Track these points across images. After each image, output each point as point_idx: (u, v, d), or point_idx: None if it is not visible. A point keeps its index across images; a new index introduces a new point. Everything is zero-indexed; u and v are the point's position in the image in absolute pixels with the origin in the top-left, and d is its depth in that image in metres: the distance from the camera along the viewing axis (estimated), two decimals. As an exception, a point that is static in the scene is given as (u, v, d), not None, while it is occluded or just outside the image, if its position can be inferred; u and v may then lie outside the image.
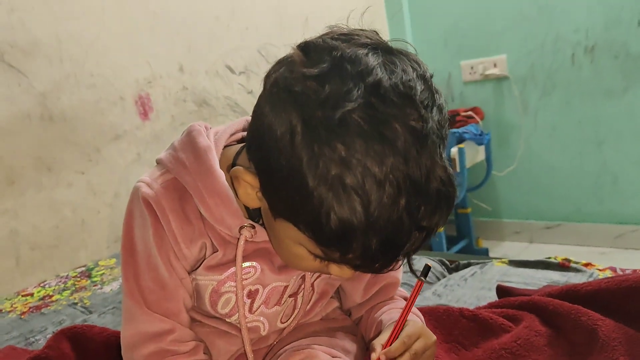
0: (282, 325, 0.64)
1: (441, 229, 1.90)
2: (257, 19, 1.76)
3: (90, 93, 1.38)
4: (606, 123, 1.94)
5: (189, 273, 0.59)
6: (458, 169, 1.88)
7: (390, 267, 0.49)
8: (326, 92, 0.43)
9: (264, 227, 0.57)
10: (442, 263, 1.06)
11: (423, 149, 0.44)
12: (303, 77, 0.45)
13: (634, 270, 0.88)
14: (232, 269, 0.58)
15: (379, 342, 0.56)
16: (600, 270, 0.93)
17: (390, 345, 0.55)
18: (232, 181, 0.54)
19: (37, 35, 1.28)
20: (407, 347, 0.56)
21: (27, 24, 1.26)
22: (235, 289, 0.59)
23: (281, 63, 0.48)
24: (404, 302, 0.69)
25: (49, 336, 0.79)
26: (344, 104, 0.42)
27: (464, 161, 1.90)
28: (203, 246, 0.58)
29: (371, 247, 0.45)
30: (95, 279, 1.19)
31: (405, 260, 0.51)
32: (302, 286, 0.63)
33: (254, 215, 0.57)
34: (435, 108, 0.46)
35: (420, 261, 1.05)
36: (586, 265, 0.95)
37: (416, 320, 0.60)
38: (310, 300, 0.65)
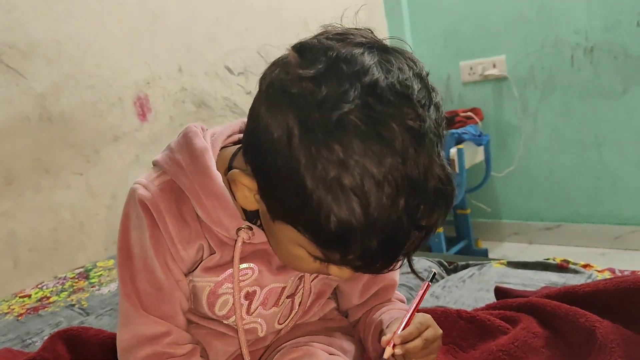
0: (280, 327, 0.64)
1: (440, 229, 1.90)
2: (256, 20, 1.76)
3: (89, 94, 1.38)
4: (605, 124, 1.93)
5: (186, 275, 0.59)
6: (457, 170, 1.88)
7: (391, 267, 0.49)
8: (323, 93, 0.43)
9: (262, 229, 0.57)
10: (441, 264, 1.06)
11: (421, 148, 0.44)
12: (299, 78, 0.44)
13: (633, 272, 0.87)
14: (230, 271, 0.58)
15: (390, 331, 0.56)
16: (599, 271, 0.93)
17: (404, 329, 0.55)
18: (230, 184, 0.54)
19: (35, 36, 1.28)
20: (420, 333, 0.56)
21: (25, 25, 1.26)
22: (232, 290, 0.58)
23: (276, 64, 0.48)
24: (402, 305, 0.69)
25: (45, 338, 0.79)
26: (341, 105, 0.42)
27: (463, 162, 1.89)
28: (200, 248, 0.58)
29: (371, 247, 0.45)
30: (93, 281, 1.19)
31: (406, 261, 0.51)
32: (300, 287, 0.63)
33: (251, 216, 0.57)
34: (432, 106, 0.45)
35: (418, 262, 1.05)
36: (585, 266, 0.95)
37: (424, 313, 0.60)
38: (307, 301, 0.65)
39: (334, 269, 0.52)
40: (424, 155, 0.44)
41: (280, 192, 0.46)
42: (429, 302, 0.89)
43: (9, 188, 1.24)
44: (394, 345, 0.54)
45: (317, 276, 0.64)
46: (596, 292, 0.72)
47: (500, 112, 2.13)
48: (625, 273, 0.89)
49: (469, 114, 2.07)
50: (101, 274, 1.22)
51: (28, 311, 1.05)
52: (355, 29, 0.49)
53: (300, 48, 0.47)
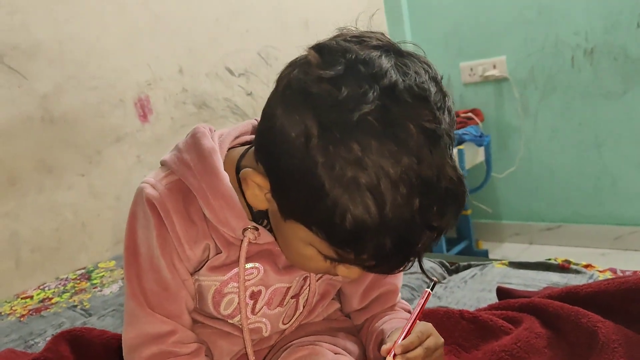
0: (284, 327, 0.65)
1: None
2: (257, 22, 1.77)
3: (91, 95, 1.38)
4: (606, 125, 1.94)
5: (192, 274, 0.59)
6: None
7: (402, 267, 0.50)
8: (343, 94, 0.44)
9: (268, 229, 0.57)
10: (442, 265, 1.06)
11: (435, 149, 0.44)
12: (318, 79, 0.45)
13: (635, 272, 0.88)
14: (235, 270, 0.58)
15: (391, 340, 0.56)
16: (600, 271, 0.93)
17: (403, 339, 0.55)
18: (239, 183, 0.54)
19: (38, 38, 1.28)
20: (421, 342, 0.56)
21: (28, 26, 1.27)
22: (238, 290, 0.59)
23: (294, 65, 0.49)
24: (405, 313, 0.69)
25: (48, 339, 0.79)
26: (361, 106, 0.43)
27: (464, 163, 1.90)
28: (206, 248, 0.58)
29: (385, 246, 0.45)
30: (95, 282, 1.19)
31: (416, 261, 0.51)
32: (304, 287, 0.63)
33: (257, 217, 0.57)
34: (446, 109, 0.46)
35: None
36: (586, 266, 0.96)
37: (425, 322, 0.60)
38: (312, 302, 0.65)
39: (342, 269, 0.52)
40: (438, 157, 0.45)
41: (294, 192, 0.47)
42: (431, 303, 0.89)
43: (11, 189, 1.25)
44: (395, 355, 0.54)
45: (321, 276, 0.64)
46: (598, 293, 0.72)
47: (500, 113, 2.14)
48: (627, 273, 0.89)
49: (470, 114, 2.07)
50: (103, 275, 1.22)
51: (30, 312, 1.05)
52: (370, 32, 0.50)
53: (320, 49, 0.48)
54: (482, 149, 2.04)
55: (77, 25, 1.35)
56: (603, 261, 1.88)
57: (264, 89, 1.79)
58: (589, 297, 0.73)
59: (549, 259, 1.00)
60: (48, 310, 1.05)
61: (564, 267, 0.96)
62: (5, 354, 0.80)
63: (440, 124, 0.45)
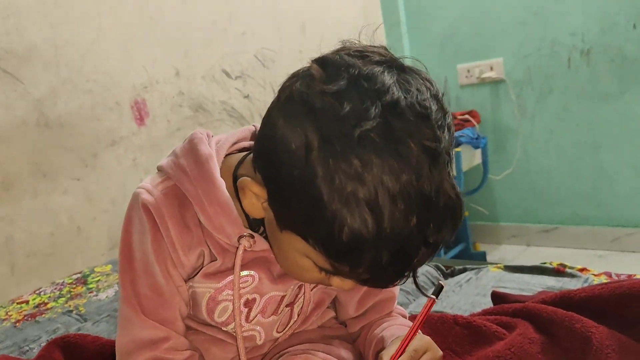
0: (278, 335, 0.64)
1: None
2: (254, 24, 1.76)
3: (87, 99, 1.38)
4: (603, 126, 1.94)
5: (186, 281, 0.59)
6: (454, 173, 1.88)
7: (396, 282, 0.50)
8: (345, 109, 0.44)
9: (264, 237, 0.57)
10: (438, 268, 1.06)
11: (435, 167, 0.45)
12: (322, 93, 0.45)
13: (629, 276, 0.88)
14: (230, 278, 0.58)
15: (387, 354, 0.55)
16: (595, 275, 0.93)
17: (398, 358, 0.55)
18: (235, 190, 0.55)
19: (33, 41, 1.28)
20: None
21: (23, 30, 1.26)
22: (232, 297, 0.59)
23: (297, 76, 0.49)
24: (403, 319, 0.69)
25: (42, 345, 0.79)
26: (362, 122, 0.43)
27: (461, 165, 1.90)
28: (201, 254, 0.58)
29: (381, 261, 0.46)
30: (90, 286, 1.18)
31: (411, 275, 0.51)
32: (299, 296, 0.63)
33: (253, 224, 0.57)
34: (445, 127, 0.47)
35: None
36: (581, 270, 0.96)
37: (423, 335, 0.60)
38: (307, 310, 0.65)
39: (336, 281, 0.52)
40: (437, 174, 0.45)
41: (292, 203, 0.47)
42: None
43: (6, 193, 1.24)
44: None
45: (316, 285, 0.64)
46: (592, 298, 0.72)
47: (497, 114, 2.14)
48: (622, 277, 0.89)
49: (466, 116, 2.07)
50: (99, 280, 1.22)
51: (25, 317, 1.04)
52: (372, 46, 0.50)
53: (323, 63, 0.48)
54: (478, 151, 2.04)
55: (72, 29, 1.34)
56: (600, 263, 1.88)
57: (261, 92, 1.79)
58: (583, 302, 0.72)
59: (544, 263, 1.00)
60: (43, 315, 1.05)
61: (559, 271, 0.96)
62: (-1, 360, 0.80)
63: (441, 142, 0.46)
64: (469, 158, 1.99)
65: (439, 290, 0.56)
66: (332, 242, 0.45)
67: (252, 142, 0.61)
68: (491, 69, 2.09)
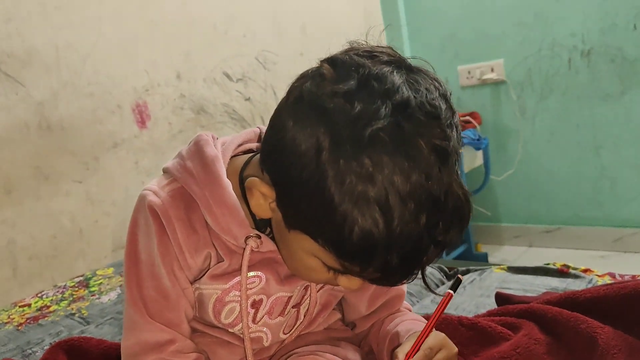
0: (285, 336, 0.64)
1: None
2: (255, 26, 1.77)
3: (88, 102, 1.38)
4: (604, 127, 1.94)
5: (192, 283, 0.59)
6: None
7: (405, 281, 0.50)
8: (356, 109, 0.44)
9: (271, 238, 0.57)
10: (441, 270, 1.06)
11: (445, 167, 0.45)
12: (332, 93, 0.45)
13: (633, 276, 0.87)
14: (237, 279, 0.58)
15: (402, 352, 0.55)
16: (599, 276, 0.93)
17: (413, 355, 0.55)
18: (242, 191, 0.55)
19: (34, 44, 1.28)
20: (429, 359, 0.56)
21: (24, 33, 1.27)
22: (239, 298, 0.58)
23: (306, 77, 0.49)
24: (413, 314, 0.69)
25: (46, 348, 0.78)
26: (373, 122, 0.44)
27: (462, 166, 1.90)
28: (208, 256, 0.58)
29: (391, 261, 0.46)
30: (93, 289, 1.18)
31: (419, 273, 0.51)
32: (306, 297, 0.63)
33: (260, 225, 0.57)
34: (454, 126, 0.47)
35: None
36: (585, 271, 0.95)
37: (438, 332, 0.60)
38: (313, 312, 0.65)
39: (343, 280, 0.52)
40: (447, 175, 0.45)
41: (302, 203, 0.47)
42: (429, 309, 0.89)
43: (8, 196, 1.24)
44: None
45: (323, 286, 0.64)
46: (597, 298, 0.72)
47: (498, 115, 2.14)
48: (626, 277, 0.89)
49: (468, 118, 2.08)
50: (101, 282, 1.21)
51: (28, 321, 1.04)
52: (379, 46, 0.50)
53: (333, 63, 0.48)
54: (480, 152, 2.04)
55: (73, 32, 1.35)
56: (602, 263, 1.88)
57: (262, 94, 1.79)
58: (588, 302, 0.72)
59: (548, 264, 1.00)
60: (46, 318, 1.04)
61: (562, 272, 0.96)
62: (3, 364, 0.80)
63: (450, 141, 0.46)
64: (470, 159, 1.99)
65: (456, 284, 0.56)
66: (342, 242, 0.45)
67: (257, 144, 0.61)
68: (492, 70, 2.09)
